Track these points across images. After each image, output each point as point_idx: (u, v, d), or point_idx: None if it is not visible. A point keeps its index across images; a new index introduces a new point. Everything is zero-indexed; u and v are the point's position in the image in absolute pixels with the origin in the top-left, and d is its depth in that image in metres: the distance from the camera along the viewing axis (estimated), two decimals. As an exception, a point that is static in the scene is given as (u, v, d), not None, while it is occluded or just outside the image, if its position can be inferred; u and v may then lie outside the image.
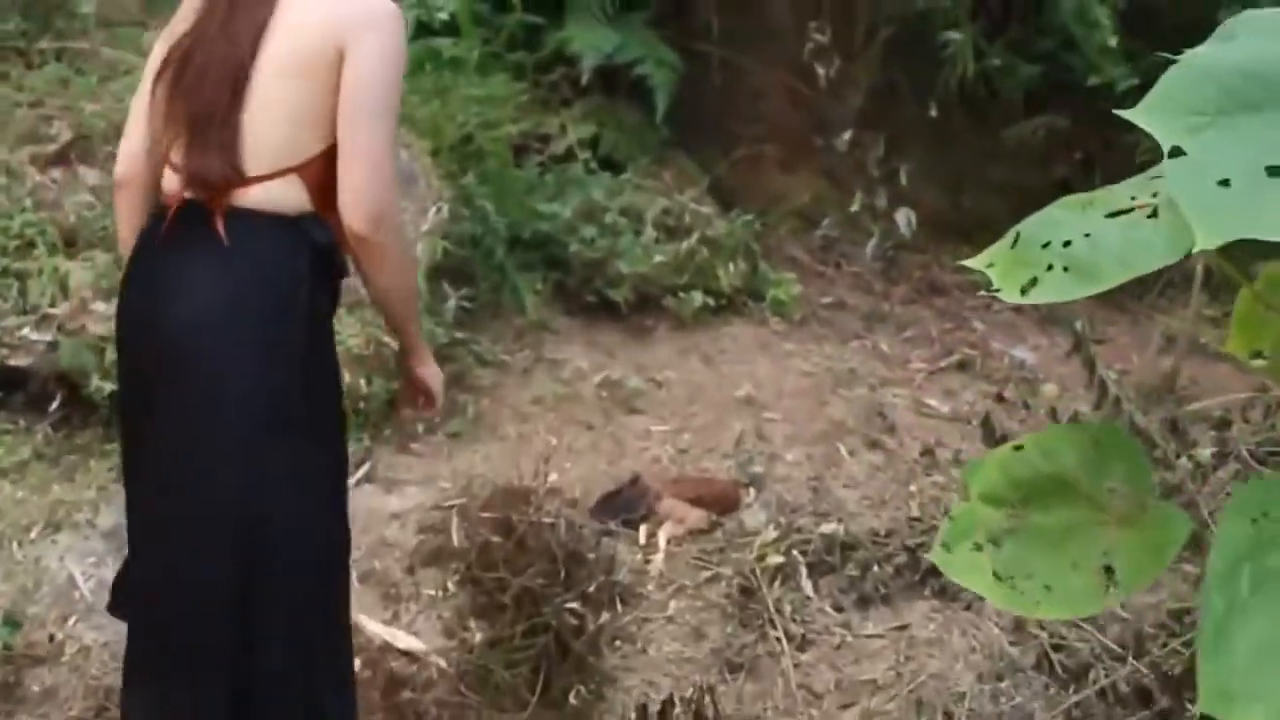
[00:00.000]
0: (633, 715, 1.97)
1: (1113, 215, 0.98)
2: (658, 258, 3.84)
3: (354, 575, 2.04)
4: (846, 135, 4.66)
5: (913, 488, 2.82)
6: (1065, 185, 4.41)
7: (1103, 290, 0.97)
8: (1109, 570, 0.96)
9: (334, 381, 1.49)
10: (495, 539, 2.16)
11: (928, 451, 3.01)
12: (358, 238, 1.40)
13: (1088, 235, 0.98)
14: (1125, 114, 0.86)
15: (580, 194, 3.92)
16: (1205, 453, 2.31)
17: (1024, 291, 1.00)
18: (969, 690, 2.02)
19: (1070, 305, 3.84)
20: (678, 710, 1.92)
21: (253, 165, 1.39)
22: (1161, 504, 1.03)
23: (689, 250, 3.89)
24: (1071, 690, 1.89)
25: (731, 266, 3.96)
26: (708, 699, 1.94)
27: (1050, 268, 0.97)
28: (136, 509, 1.43)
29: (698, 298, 3.74)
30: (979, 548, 0.97)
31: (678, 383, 3.43)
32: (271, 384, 1.36)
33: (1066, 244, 0.98)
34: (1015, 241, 1.05)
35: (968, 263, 1.11)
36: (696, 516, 2.64)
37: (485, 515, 2.23)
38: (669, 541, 2.55)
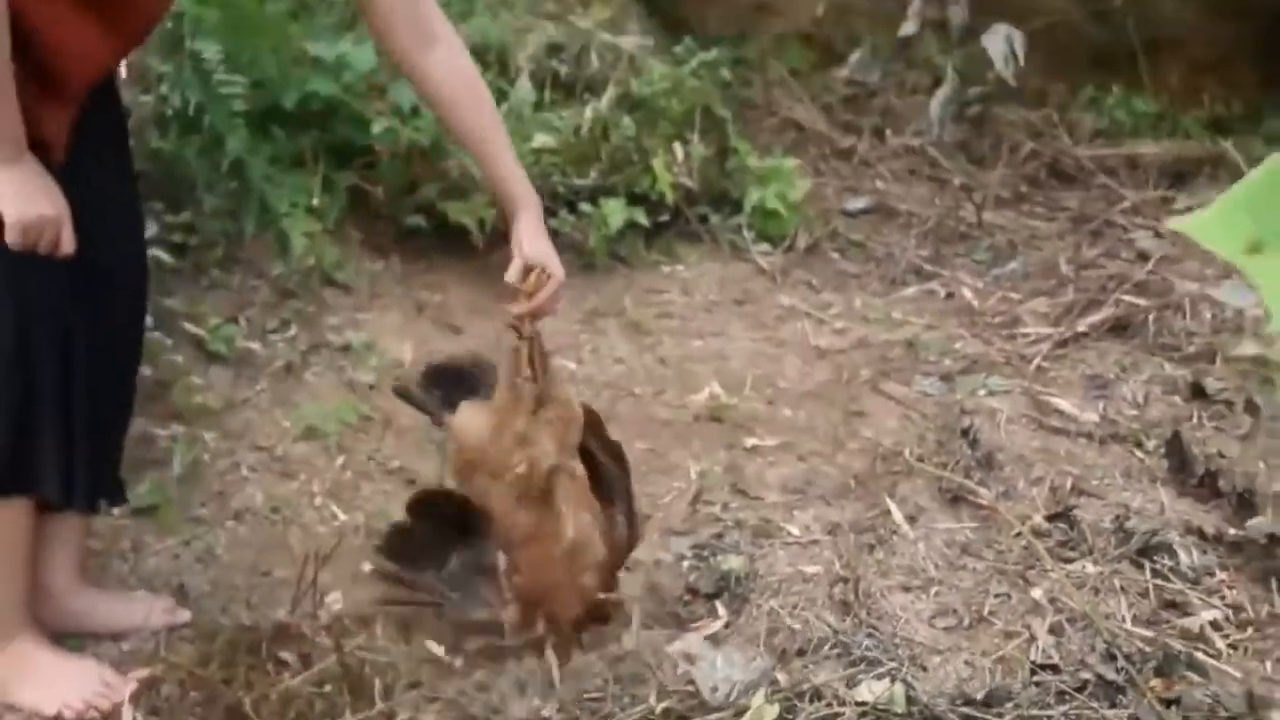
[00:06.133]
0: None
1: None
2: (541, 138, 3.67)
3: None
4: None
5: (1037, 591, 2.63)
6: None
7: None
8: None
9: None
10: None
11: (1061, 513, 2.85)
12: None
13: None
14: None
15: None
16: None
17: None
18: None
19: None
20: None
21: None
22: None
23: (599, 121, 3.73)
24: None
25: (679, 150, 3.81)
26: None
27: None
28: None
29: (617, 212, 3.69)
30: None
31: (581, 383, 3.36)
32: None
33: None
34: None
35: (1178, 226, 1.17)
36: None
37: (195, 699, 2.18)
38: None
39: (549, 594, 2.34)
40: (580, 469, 2.33)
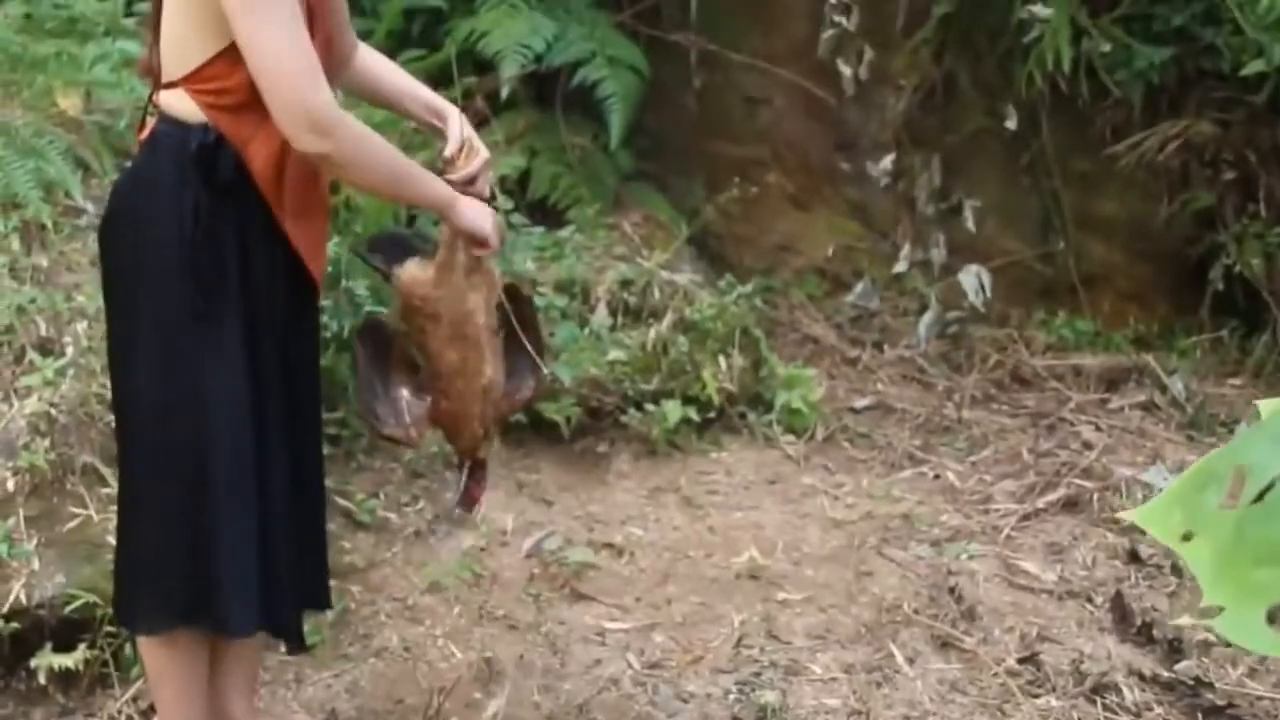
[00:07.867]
0: None
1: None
2: (614, 353, 3.66)
3: None
4: (887, 161, 4.42)
5: (1012, 722, 2.62)
6: (1210, 220, 4.17)
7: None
8: None
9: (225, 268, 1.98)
10: None
11: (1029, 657, 2.80)
12: (307, 156, 1.90)
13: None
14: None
15: (499, 261, 3.63)
16: None
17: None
18: None
19: (1231, 398, 3.70)
20: None
21: (164, 70, 1.94)
22: None
23: (660, 340, 3.71)
24: None
25: (723, 361, 3.77)
26: None
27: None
28: None
29: (674, 411, 3.65)
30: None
31: (646, 546, 3.27)
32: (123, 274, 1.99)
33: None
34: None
35: (1129, 516, 1.15)
36: None
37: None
38: None
39: (462, 421, 2.27)
40: (494, 328, 2.26)
